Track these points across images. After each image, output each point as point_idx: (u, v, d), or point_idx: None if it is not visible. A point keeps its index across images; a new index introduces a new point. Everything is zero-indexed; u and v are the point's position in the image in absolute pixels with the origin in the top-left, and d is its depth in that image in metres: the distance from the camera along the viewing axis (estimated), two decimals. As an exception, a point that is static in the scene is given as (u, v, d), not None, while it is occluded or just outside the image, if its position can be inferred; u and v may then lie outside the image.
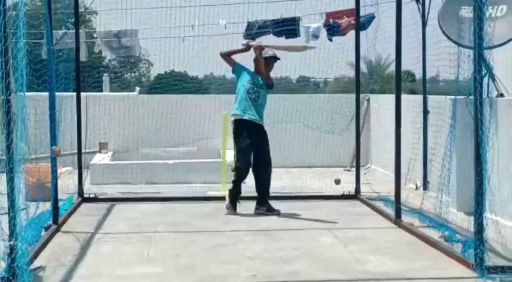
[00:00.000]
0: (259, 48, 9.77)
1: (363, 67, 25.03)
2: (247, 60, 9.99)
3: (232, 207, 9.68)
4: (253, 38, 12.54)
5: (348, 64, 14.10)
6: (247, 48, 9.84)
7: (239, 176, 9.65)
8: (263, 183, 9.68)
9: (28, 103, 6.59)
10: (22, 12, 6.09)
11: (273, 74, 10.21)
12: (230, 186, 9.81)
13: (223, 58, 9.92)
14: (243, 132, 9.58)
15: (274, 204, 9.89)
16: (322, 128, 15.20)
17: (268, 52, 9.91)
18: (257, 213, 9.63)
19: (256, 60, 9.79)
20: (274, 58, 9.99)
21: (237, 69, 9.82)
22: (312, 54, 13.89)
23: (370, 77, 18.78)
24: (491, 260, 6.55)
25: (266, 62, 9.82)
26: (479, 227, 6.44)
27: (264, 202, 9.70)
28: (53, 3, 9.00)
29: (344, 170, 14.22)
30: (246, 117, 9.59)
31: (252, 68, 9.88)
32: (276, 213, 9.62)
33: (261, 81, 9.74)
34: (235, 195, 9.71)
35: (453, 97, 9.77)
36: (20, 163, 6.10)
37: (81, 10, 11.40)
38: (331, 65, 13.70)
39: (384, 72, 30.56)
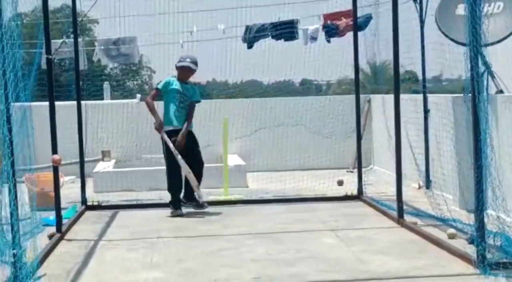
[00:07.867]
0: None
1: (366, 68, 24.99)
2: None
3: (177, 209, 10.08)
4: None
5: (351, 66, 14.11)
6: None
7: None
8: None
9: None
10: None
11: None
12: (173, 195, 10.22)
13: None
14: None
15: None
16: (323, 132, 15.15)
17: (186, 60, 10.14)
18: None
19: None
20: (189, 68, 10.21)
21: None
22: (313, 56, 13.94)
23: (373, 78, 18.75)
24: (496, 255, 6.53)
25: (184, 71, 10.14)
26: (480, 224, 6.45)
27: (193, 197, 10.13)
28: (54, 13, 9.06)
29: (347, 171, 14.19)
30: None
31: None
32: (205, 207, 10.11)
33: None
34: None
35: (453, 95, 9.81)
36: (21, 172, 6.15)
37: (79, 19, 11.38)
38: (333, 67, 13.73)
39: (388, 73, 30.52)
